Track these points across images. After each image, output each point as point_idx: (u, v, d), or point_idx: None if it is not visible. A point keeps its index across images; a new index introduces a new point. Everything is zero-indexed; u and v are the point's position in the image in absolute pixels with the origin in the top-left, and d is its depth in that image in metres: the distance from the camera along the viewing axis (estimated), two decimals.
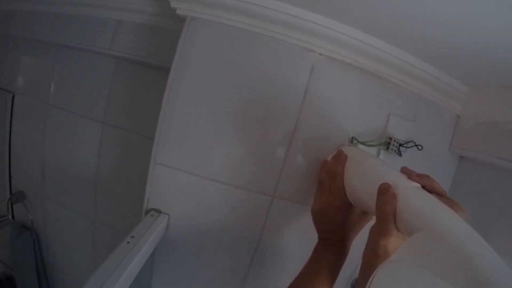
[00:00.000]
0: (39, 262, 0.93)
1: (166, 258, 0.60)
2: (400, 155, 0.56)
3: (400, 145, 0.56)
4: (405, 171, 0.37)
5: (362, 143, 0.53)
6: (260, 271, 0.61)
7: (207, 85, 0.51)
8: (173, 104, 0.52)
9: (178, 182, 0.54)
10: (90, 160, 0.72)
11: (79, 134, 0.73)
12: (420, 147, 0.57)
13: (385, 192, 0.31)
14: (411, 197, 0.30)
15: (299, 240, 0.58)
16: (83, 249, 0.82)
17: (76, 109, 0.72)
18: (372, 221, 0.48)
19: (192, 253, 0.60)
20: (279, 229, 0.57)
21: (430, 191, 0.32)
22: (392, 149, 0.55)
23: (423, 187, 0.33)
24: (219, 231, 0.57)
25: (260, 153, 0.53)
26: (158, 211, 0.56)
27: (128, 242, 0.48)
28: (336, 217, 0.45)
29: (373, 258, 0.29)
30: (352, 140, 0.53)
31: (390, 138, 0.55)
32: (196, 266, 0.61)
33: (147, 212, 0.56)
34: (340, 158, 0.46)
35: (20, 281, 0.95)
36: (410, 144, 0.57)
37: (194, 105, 0.51)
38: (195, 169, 0.53)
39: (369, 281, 0.24)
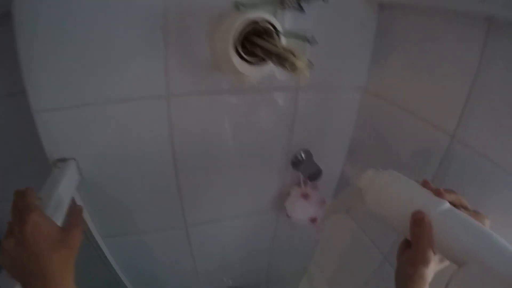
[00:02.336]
0: None
1: (95, 200, 0.56)
2: (303, 10, 0.49)
3: None
4: (429, 187, 0.33)
5: (249, 6, 0.45)
6: (192, 179, 0.60)
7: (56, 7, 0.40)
8: (28, 42, 0.41)
9: (68, 120, 0.47)
10: None
11: None
12: None
13: (420, 222, 0.30)
14: (447, 222, 0.30)
15: (217, 127, 0.56)
16: None
17: None
18: None
19: (118, 185, 0.57)
20: (189, 131, 0.53)
21: (457, 206, 0.32)
22: (289, 6, 0.48)
23: (450, 202, 0.32)
24: (133, 156, 0.53)
25: (136, 50, 0.45)
26: (63, 160, 0.50)
27: None
28: None
29: (408, 282, 0.29)
30: (238, 6, 0.45)
31: None
32: (127, 197, 0.58)
33: (54, 166, 0.50)
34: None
35: None
36: None
37: (51, 32, 0.41)
38: (78, 100, 0.46)
39: None
